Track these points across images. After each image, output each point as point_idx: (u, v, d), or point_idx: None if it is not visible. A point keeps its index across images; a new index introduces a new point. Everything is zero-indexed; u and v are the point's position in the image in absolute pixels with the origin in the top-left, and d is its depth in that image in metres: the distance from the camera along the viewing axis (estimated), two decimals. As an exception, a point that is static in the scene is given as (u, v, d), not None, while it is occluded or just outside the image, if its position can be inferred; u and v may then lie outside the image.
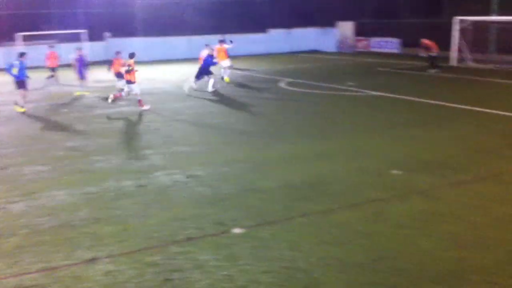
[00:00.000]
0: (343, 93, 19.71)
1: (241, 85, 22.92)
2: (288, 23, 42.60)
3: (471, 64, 27.30)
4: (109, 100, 18.09)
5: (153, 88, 22.72)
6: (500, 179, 9.52)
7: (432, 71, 25.28)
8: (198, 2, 40.03)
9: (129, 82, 17.69)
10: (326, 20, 42.44)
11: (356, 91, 20.05)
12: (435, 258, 6.49)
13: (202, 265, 6.48)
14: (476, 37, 28.47)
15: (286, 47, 42.38)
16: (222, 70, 24.28)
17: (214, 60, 20.87)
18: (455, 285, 5.88)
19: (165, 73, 28.93)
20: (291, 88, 21.38)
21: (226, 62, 24.22)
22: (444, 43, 29.90)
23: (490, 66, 26.71)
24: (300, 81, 23.24)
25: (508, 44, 28.14)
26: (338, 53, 39.94)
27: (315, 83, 22.23)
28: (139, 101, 17.72)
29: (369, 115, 15.79)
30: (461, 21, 27.84)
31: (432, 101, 17.23)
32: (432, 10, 34.65)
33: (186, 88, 20.78)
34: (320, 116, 15.85)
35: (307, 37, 43.04)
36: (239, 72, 28.03)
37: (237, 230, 7.49)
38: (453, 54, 28.17)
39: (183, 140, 13.30)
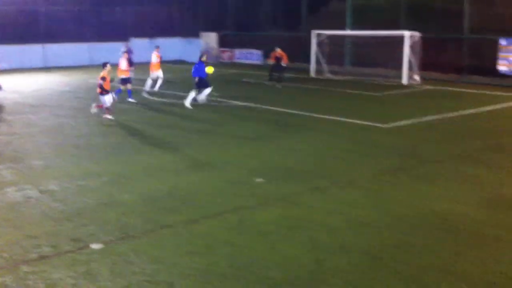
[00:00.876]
0: (207, 103, 19.71)
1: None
2: (151, 32, 41.93)
3: (328, 75, 28.70)
4: (109, 117, 16.31)
5: (2, 98, 21.10)
6: (354, 184, 10.00)
7: (279, 84, 24.80)
8: (55, 9, 37.98)
9: (102, 94, 16.13)
10: (190, 30, 42.42)
11: (220, 101, 20.19)
12: (296, 263, 6.61)
13: (56, 284, 6.05)
14: (333, 50, 30.03)
15: (150, 56, 41.64)
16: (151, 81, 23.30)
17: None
18: (315, 289, 6.02)
19: (16, 83, 26.93)
20: (154, 98, 21.02)
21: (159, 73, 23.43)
22: (303, 55, 31.27)
23: (345, 77, 28.26)
24: (164, 91, 22.90)
25: (361, 57, 30.02)
26: (203, 64, 40.06)
27: (179, 93, 22.02)
28: (107, 109, 16.38)
29: (233, 125, 15.96)
30: (319, 34, 29.24)
31: (291, 111, 17.82)
32: (292, 24, 36.02)
33: (187, 102, 19.07)
34: (183, 126, 15.71)
35: (172, 47, 42.61)
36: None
37: (95, 246, 7.10)
38: (312, 66, 29.46)
39: (36, 153, 12.45)
